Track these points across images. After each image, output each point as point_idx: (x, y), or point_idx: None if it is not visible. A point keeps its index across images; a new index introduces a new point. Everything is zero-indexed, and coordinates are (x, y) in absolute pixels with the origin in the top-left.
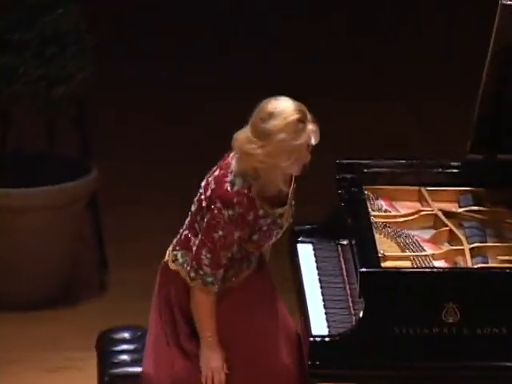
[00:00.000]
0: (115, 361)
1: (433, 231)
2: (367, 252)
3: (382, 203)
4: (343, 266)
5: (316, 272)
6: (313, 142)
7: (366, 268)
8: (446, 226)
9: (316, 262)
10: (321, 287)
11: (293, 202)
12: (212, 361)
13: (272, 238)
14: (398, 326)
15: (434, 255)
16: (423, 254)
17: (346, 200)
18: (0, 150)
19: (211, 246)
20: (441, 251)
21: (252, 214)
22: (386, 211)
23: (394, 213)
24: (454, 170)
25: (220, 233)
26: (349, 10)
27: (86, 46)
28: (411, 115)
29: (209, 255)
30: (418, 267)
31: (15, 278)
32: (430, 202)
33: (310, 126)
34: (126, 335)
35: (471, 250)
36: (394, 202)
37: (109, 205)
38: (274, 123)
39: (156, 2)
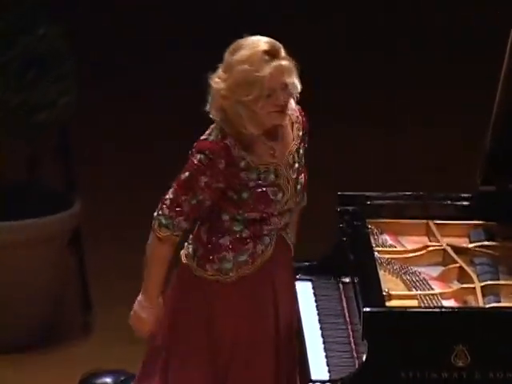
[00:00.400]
0: None
1: (441, 268)
2: (371, 290)
3: (387, 238)
4: (345, 306)
5: (315, 312)
6: (285, 79)
7: (370, 307)
8: (456, 262)
9: (315, 300)
10: (321, 328)
11: (300, 164)
12: (143, 312)
13: (272, 203)
14: (405, 370)
15: (442, 294)
16: (431, 292)
17: (347, 234)
18: None
19: (176, 187)
20: (450, 290)
21: (223, 162)
22: (390, 246)
23: (399, 248)
24: (465, 203)
25: (186, 174)
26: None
27: (69, 69)
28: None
29: (171, 196)
30: (425, 307)
31: None
32: (438, 236)
33: (281, 62)
34: (109, 380)
35: (483, 288)
36: (399, 237)
37: (93, 240)
38: (239, 53)
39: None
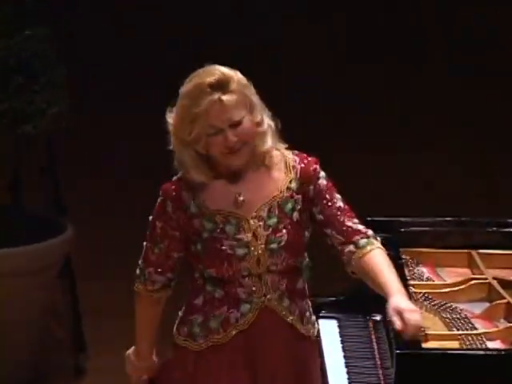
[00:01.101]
0: None
1: (486, 304)
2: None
3: (424, 270)
4: (375, 347)
5: (342, 354)
6: (230, 115)
7: (404, 349)
8: (503, 297)
9: (342, 341)
10: (347, 372)
11: (283, 221)
12: (137, 370)
13: (232, 261)
14: None
15: (487, 334)
16: (474, 332)
17: None
18: None
19: (146, 237)
20: (496, 329)
21: (171, 205)
22: (428, 279)
23: (437, 282)
24: None
25: (150, 221)
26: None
27: (59, 74)
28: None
29: (144, 248)
30: (467, 348)
31: None
32: (482, 268)
33: (223, 96)
34: None
35: None
36: (438, 269)
37: (85, 272)
38: (185, 86)
39: None
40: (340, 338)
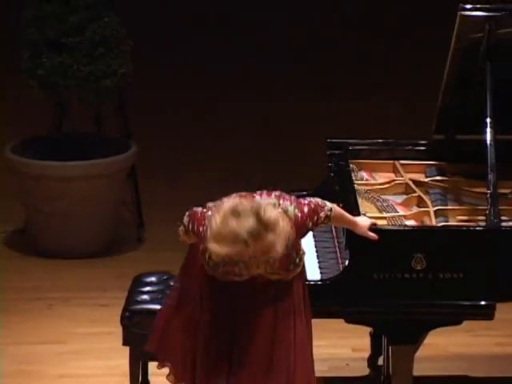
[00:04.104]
0: (138, 299)
1: (404, 196)
2: (352, 213)
3: (364, 174)
4: (333, 229)
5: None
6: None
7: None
8: (415, 192)
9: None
10: (315, 241)
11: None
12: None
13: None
14: (377, 273)
15: (405, 216)
16: (397, 214)
17: (334, 171)
18: (58, 132)
19: None
20: (411, 212)
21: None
22: (366, 180)
23: (373, 181)
24: (422, 148)
25: None
26: None
27: (126, 48)
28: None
29: None
30: (392, 225)
31: (72, 234)
32: (402, 173)
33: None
34: (154, 279)
35: (435, 211)
36: (373, 173)
37: (145, 175)
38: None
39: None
40: None
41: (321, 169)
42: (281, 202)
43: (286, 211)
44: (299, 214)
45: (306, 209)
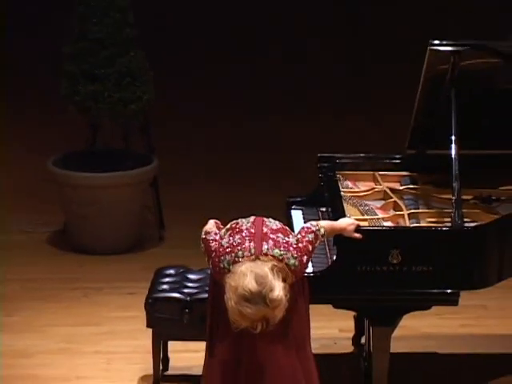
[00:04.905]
0: (159, 288)
1: (383, 202)
2: (338, 216)
3: (349, 183)
4: None
5: None
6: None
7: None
8: (392, 198)
9: (304, 222)
10: None
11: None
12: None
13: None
14: (360, 266)
15: (383, 218)
16: (376, 217)
17: (324, 181)
18: (91, 148)
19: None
20: (388, 215)
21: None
22: (351, 188)
23: (356, 189)
24: (397, 161)
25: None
26: None
27: (149, 77)
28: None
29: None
30: (373, 226)
31: (103, 233)
32: (381, 182)
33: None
34: (172, 271)
35: (409, 214)
36: (356, 182)
37: (165, 185)
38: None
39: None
40: (303, 221)
41: (313, 179)
42: (283, 253)
43: (287, 264)
44: (299, 267)
45: (305, 258)
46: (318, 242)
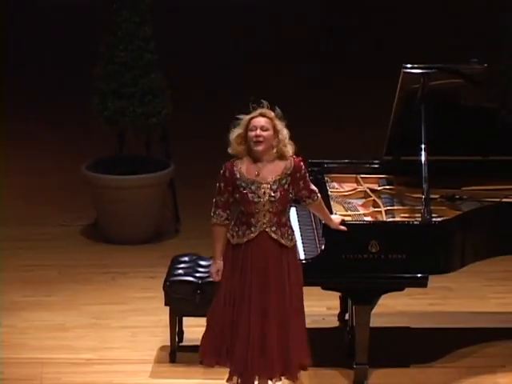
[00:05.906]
0: (175, 273)
1: (364, 200)
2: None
3: (335, 184)
4: (313, 219)
5: (297, 224)
6: (261, 124)
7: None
8: (371, 197)
9: (297, 217)
10: (300, 230)
11: (279, 189)
12: (211, 267)
13: (251, 203)
14: (344, 254)
15: (364, 214)
16: (358, 213)
17: (314, 182)
18: (118, 155)
19: (215, 193)
20: (368, 211)
21: (228, 173)
22: (337, 189)
23: (341, 190)
24: (376, 165)
25: (217, 184)
26: None
27: (167, 95)
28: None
29: (214, 200)
30: (355, 220)
31: (128, 227)
32: (362, 183)
33: (262, 118)
34: (186, 258)
35: (386, 211)
36: (341, 184)
37: (181, 186)
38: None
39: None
40: (297, 217)
41: None
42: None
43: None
44: (298, 161)
45: (303, 172)
46: (313, 187)
